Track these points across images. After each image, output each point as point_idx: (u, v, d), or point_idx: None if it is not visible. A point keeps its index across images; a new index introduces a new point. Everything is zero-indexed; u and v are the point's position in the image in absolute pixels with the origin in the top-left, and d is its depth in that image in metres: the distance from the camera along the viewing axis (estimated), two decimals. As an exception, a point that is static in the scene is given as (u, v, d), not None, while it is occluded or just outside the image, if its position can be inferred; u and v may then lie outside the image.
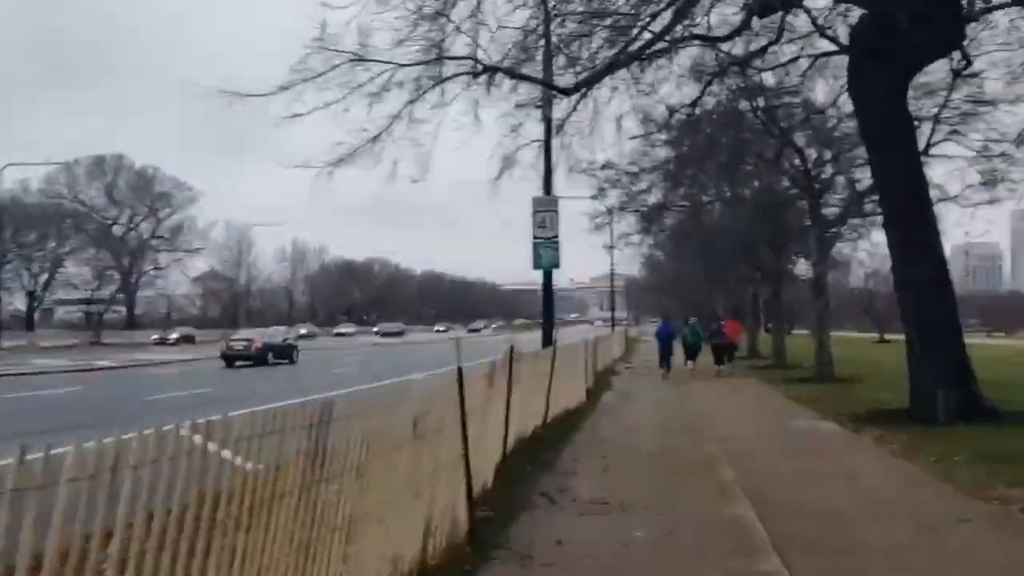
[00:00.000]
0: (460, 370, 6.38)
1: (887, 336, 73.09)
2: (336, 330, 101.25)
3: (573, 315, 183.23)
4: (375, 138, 12.60)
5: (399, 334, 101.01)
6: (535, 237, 18.78)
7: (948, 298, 13.78)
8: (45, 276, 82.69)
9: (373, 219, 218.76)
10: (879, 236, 30.56)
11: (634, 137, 17.84)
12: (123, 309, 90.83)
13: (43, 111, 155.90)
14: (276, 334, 43.41)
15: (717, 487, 8.64)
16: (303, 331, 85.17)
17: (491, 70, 12.49)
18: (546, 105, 15.16)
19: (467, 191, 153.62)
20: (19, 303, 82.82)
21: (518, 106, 13.75)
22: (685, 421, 14.66)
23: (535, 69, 13.66)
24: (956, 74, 18.98)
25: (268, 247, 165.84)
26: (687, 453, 10.98)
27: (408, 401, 5.20)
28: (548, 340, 18.61)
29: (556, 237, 18.80)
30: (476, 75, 12.49)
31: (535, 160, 15.82)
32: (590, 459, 10.38)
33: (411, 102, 12.56)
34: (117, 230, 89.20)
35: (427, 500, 5.68)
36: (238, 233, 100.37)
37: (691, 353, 27.95)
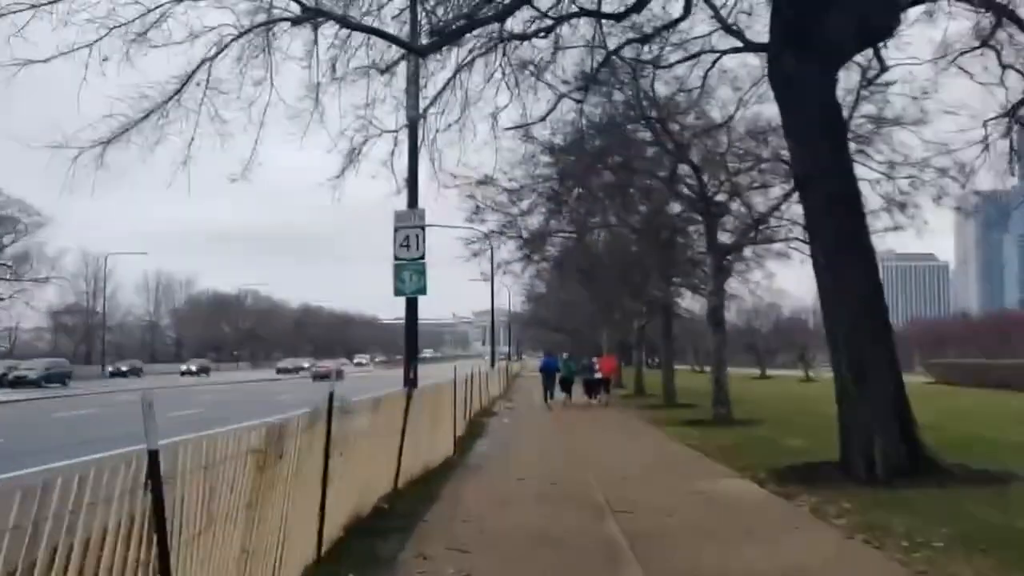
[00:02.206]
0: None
1: (767, 372, 73.29)
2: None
3: (426, 352, 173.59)
4: (162, 105, 9.31)
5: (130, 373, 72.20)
6: (396, 258, 15.74)
7: (884, 321, 11.50)
8: None
9: (245, 250, 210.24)
10: (773, 266, 28.98)
11: (511, 128, 15.03)
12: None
13: None
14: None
15: (627, 608, 5.75)
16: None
17: (318, 14, 9.43)
18: (411, 91, 12.23)
19: (347, 219, 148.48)
20: None
21: (358, 69, 10.69)
22: (574, 482, 11.77)
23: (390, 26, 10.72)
24: (868, 82, 17.22)
25: (129, 279, 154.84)
26: (580, 537, 8.06)
27: None
28: (412, 381, 15.55)
29: (422, 258, 15.80)
30: (298, 22, 9.42)
31: (390, 157, 12.76)
32: (444, 556, 7.32)
33: (209, 60, 9.39)
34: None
35: None
36: (94, 262, 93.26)
37: (565, 386, 29.58)
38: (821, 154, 11.13)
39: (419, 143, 16.64)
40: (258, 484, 4.80)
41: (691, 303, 41.95)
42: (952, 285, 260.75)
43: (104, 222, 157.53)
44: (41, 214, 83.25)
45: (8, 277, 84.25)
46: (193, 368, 77.91)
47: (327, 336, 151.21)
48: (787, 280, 73.54)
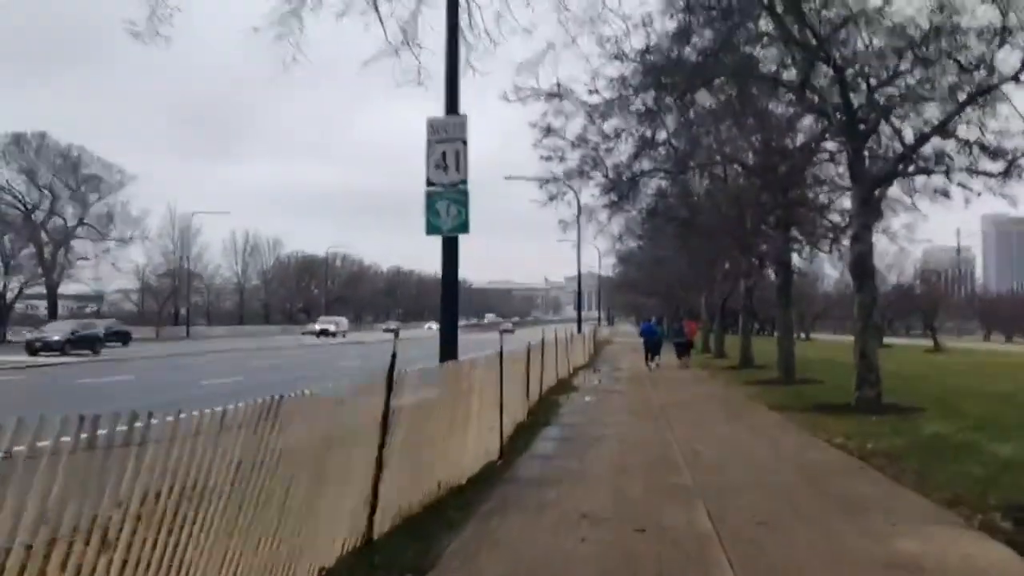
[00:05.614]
0: None
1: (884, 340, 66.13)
2: None
3: (489, 316, 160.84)
4: None
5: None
6: (429, 182, 11.32)
7: None
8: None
9: (334, 213, 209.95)
10: (925, 206, 22.48)
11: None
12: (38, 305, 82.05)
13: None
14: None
15: None
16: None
17: None
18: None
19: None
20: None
21: None
22: (677, 530, 7.02)
23: None
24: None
25: (215, 240, 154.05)
26: None
27: None
28: (449, 352, 11.04)
29: (463, 183, 11.31)
30: None
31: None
32: None
33: None
34: (37, 216, 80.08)
35: None
36: (180, 222, 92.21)
37: (655, 349, 31.14)
38: None
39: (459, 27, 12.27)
40: None
41: (804, 260, 36.39)
42: None
43: (188, 185, 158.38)
44: (124, 172, 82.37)
45: (93, 238, 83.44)
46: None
47: (418, 299, 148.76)
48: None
